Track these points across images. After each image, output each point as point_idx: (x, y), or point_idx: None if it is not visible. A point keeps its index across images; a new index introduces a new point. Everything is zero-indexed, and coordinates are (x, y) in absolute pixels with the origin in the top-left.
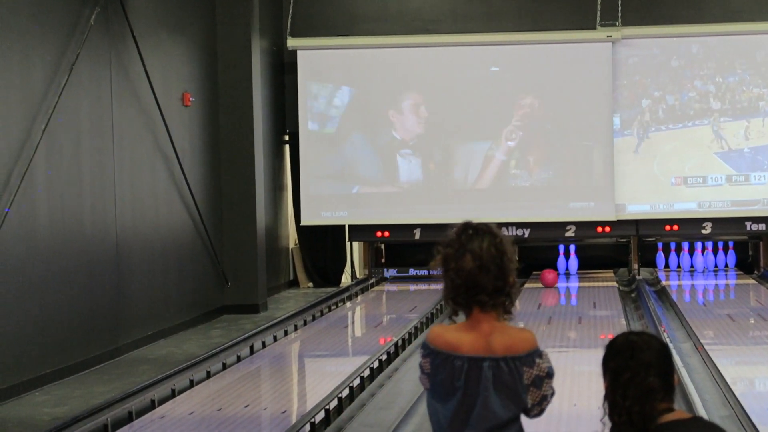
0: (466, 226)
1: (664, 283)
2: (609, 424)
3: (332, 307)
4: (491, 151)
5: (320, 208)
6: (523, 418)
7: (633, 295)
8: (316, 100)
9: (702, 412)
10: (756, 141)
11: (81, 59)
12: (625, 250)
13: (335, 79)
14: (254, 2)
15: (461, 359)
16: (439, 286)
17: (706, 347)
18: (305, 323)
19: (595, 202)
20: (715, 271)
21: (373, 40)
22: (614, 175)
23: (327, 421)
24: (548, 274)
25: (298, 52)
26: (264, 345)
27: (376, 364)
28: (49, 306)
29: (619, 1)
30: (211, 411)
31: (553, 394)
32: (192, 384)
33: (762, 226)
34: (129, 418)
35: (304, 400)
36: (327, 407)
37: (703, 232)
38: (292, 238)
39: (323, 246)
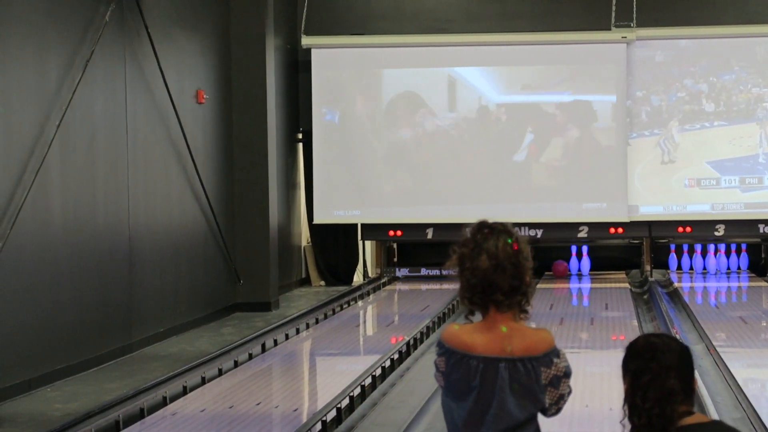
0: (482, 225)
1: (676, 284)
2: (629, 426)
3: (344, 306)
4: (506, 151)
5: (333, 206)
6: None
7: (645, 296)
8: (329, 98)
9: (714, 415)
10: None
11: (95, 56)
12: (638, 252)
13: (349, 77)
14: (269, 0)
15: (477, 359)
16: (451, 286)
17: (719, 349)
18: (317, 322)
19: (608, 203)
20: (727, 273)
21: (387, 39)
22: (627, 176)
23: (338, 419)
24: (559, 266)
25: (312, 51)
26: (276, 343)
27: (387, 363)
28: (61, 302)
29: (634, 2)
30: (223, 408)
31: (570, 392)
32: (204, 381)
33: None
34: (141, 414)
35: (315, 398)
36: (338, 406)
37: (716, 234)
38: (304, 237)
39: (335, 244)
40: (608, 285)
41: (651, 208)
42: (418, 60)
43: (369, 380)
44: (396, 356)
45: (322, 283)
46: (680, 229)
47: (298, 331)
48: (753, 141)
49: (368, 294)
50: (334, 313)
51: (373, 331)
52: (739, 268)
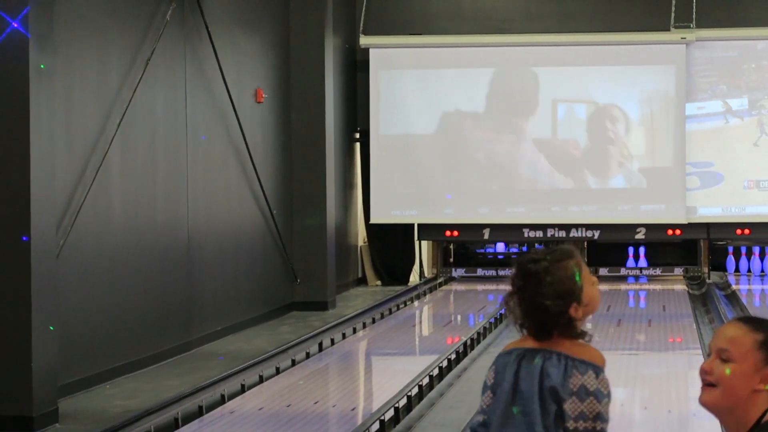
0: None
1: (734, 287)
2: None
3: (400, 306)
4: (562, 152)
5: (390, 206)
6: None
7: (703, 298)
8: (387, 98)
9: None
10: None
11: (156, 54)
12: (695, 252)
13: (407, 77)
14: (328, 0)
15: (518, 351)
16: (507, 287)
17: None
18: (374, 321)
19: (666, 205)
20: None
21: (445, 39)
22: (686, 177)
23: (396, 419)
24: None
25: (371, 51)
26: (333, 342)
27: (444, 363)
28: (121, 299)
29: (694, 3)
30: (281, 407)
31: (600, 419)
32: (261, 380)
33: None
34: (199, 412)
35: (371, 398)
36: (396, 405)
37: None
38: (361, 236)
39: (392, 244)
40: (666, 286)
41: (709, 210)
42: (474, 60)
43: (426, 380)
44: (453, 356)
45: (379, 282)
46: (738, 231)
47: (354, 331)
48: None
49: (424, 294)
50: (390, 312)
51: (429, 331)
52: None
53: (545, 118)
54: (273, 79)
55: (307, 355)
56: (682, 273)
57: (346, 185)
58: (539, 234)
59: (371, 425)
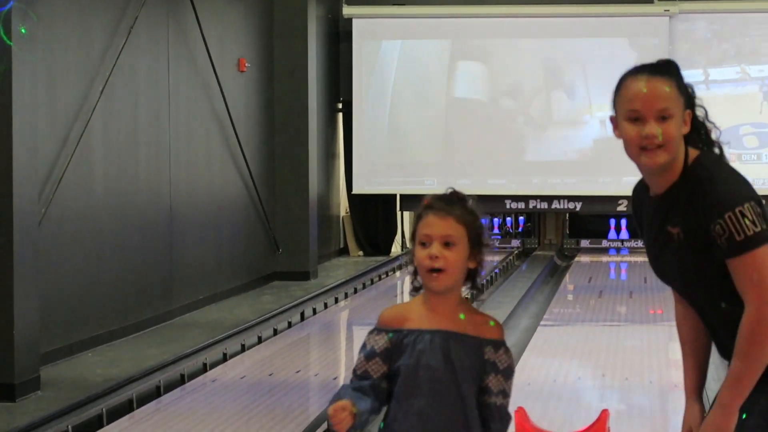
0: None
1: None
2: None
3: (382, 276)
4: (542, 124)
5: (372, 177)
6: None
7: None
8: (370, 68)
9: None
10: None
11: (139, 22)
12: None
13: (390, 48)
14: None
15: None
16: (488, 258)
17: None
18: (355, 291)
19: None
20: None
21: (429, 10)
22: None
23: None
24: None
25: (354, 21)
26: (314, 312)
27: None
28: (103, 268)
29: None
30: (263, 376)
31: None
32: (243, 349)
33: None
34: (181, 380)
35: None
36: None
37: None
38: (343, 206)
39: (374, 215)
40: (647, 259)
41: None
42: (458, 31)
43: None
44: None
45: (361, 253)
46: None
47: (336, 301)
48: None
49: (406, 264)
50: (372, 283)
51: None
52: None
53: (527, 90)
54: (256, 48)
55: (289, 325)
56: None
57: (329, 155)
58: (521, 205)
59: None
